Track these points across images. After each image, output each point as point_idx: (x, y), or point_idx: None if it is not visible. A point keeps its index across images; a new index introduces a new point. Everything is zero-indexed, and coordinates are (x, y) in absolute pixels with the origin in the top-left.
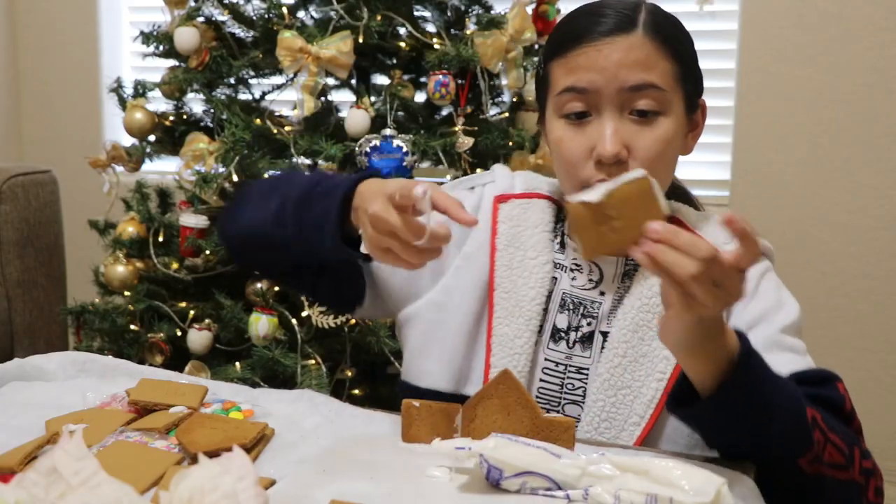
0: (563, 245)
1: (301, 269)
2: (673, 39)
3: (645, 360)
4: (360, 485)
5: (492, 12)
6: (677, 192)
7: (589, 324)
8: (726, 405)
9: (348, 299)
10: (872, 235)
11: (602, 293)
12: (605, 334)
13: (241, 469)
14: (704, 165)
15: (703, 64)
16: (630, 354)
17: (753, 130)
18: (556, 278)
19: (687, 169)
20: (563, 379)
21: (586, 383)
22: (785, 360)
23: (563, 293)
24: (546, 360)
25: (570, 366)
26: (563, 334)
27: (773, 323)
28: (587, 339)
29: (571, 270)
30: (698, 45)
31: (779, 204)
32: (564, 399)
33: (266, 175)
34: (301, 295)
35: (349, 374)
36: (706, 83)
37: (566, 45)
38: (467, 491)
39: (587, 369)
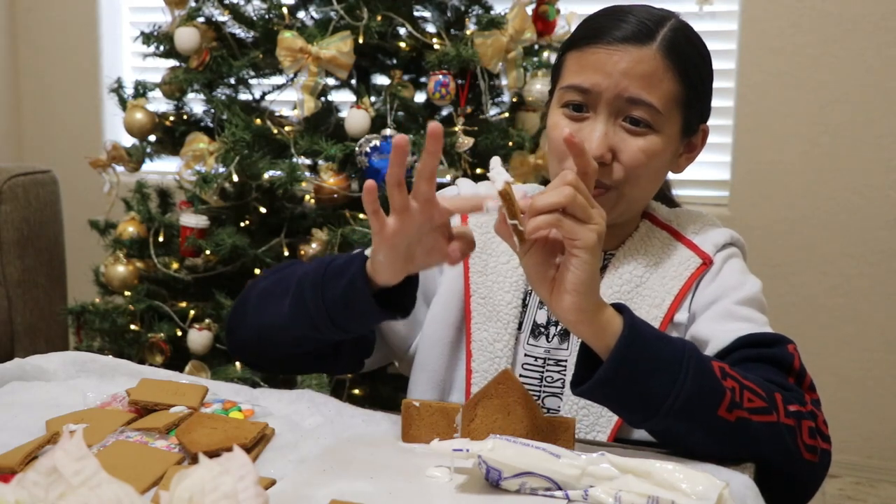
0: None
1: (317, 351)
2: (686, 62)
3: None
4: (360, 485)
5: (492, 12)
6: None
7: None
8: (620, 369)
9: (361, 357)
10: (872, 235)
11: None
12: None
13: (241, 469)
14: (704, 165)
15: None
16: None
17: (753, 130)
18: None
19: (687, 169)
20: (543, 372)
21: (565, 375)
22: (737, 328)
23: None
24: (526, 355)
25: (549, 359)
26: (542, 329)
27: (729, 297)
28: (566, 333)
29: None
30: None
31: (779, 204)
32: (544, 392)
33: (267, 173)
34: (317, 373)
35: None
36: None
37: (584, 40)
38: (467, 491)
39: (565, 361)
